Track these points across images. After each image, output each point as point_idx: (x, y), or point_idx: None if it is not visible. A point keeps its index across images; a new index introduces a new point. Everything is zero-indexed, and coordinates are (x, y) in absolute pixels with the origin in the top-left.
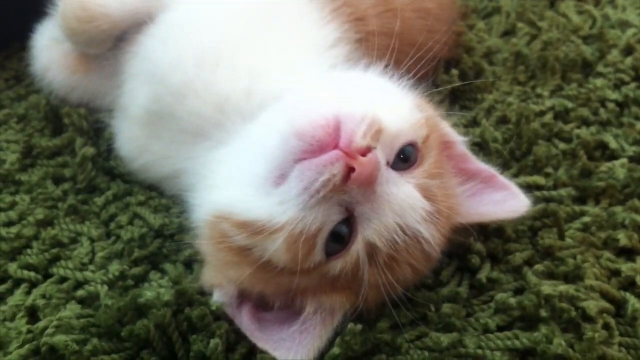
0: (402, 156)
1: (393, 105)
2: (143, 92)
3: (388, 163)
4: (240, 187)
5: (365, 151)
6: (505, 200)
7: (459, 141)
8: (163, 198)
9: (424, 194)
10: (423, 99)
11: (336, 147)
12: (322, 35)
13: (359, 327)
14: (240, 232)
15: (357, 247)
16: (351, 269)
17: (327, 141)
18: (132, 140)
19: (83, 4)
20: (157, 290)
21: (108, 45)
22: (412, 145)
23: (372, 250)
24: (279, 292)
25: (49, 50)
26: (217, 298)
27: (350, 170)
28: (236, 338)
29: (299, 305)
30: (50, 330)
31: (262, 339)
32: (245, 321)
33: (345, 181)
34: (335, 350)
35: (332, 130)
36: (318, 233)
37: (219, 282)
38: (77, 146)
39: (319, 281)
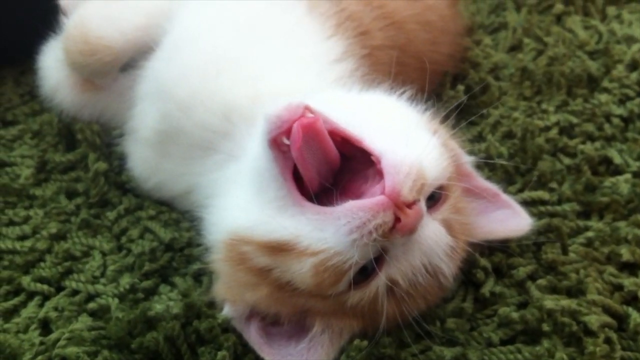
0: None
1: (429, 149)
2: (151, 113)
3: None
4: (259, 210)
5: (412, 204)
6: (508, 219)
7: (466, 161)
8: (173, 212)
9: (447, 229)
10: (437, 122)
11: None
12: (324, 48)
13: (365, 342)
14: (263, 252)
15: (378, 282)
16: (368, 301)
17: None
18: (144, 161)
19: (85, 37)
20: (166, 302)
21: (113, 74)
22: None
23: (392, 285)
24: (293, 312)
25: (57, 70)
26: (227, 312)
27: (396, 220)
28: (243, 350)
29: (308, 323)
30: (62, 342)
31: (270, 353)
32: (253, 335)
33: (392, 230)
34: None
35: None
36: (350, 268)
37: (232, 298)
38: (89, 161)
39: (334, 306)
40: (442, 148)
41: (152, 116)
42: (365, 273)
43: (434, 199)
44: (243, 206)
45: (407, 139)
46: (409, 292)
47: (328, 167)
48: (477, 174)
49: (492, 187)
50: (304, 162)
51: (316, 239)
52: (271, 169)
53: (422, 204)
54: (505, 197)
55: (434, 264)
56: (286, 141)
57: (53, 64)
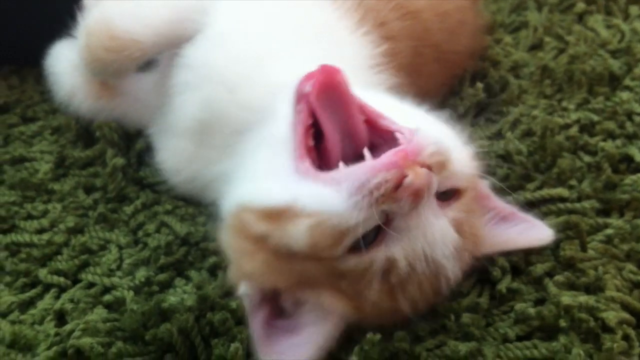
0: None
1: (459, 148)
2: (193, 102)
3: (436, 192)
4: (265, 178)
5: (425, 166)
6: (529, 230)
7: (483, 183)
8: (190, 207)
9: (456, 228)
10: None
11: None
12: (359, 48)
13: (378, 336)
14: (260, 219)
15: (376, 256)
16: (361, 272)
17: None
18: (179, 153)
19: (111, 33)
20: (181, 295)
21: (130, 75)
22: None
23: (389, 267)
24: (288, 285)
25: (71, 76)
26: (243, 290)
27: (403, 177)
28: None
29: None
30: (76, 333)
31: (265, 348)
32: (256, 326)
33: (396, 189)
34: (353, 358)
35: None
36: (350, 232)
37: (238, 277)
38: (107, 157)
39: (326, 272)
40: (474, 160)
41: (193, 105)
42: (364, 242)
43: (448, 194)
44: (251, 176)
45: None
46: (404, 281)
47: (354, 139)
48: (495, 196)
49: (509, 207)
50: (322, 113)
51: (313, 202)
52: (287, 131)
53: (435, 180)
54: (522, 214)
55: (436, 259)
56: (307, 88)
57: (66, 69)
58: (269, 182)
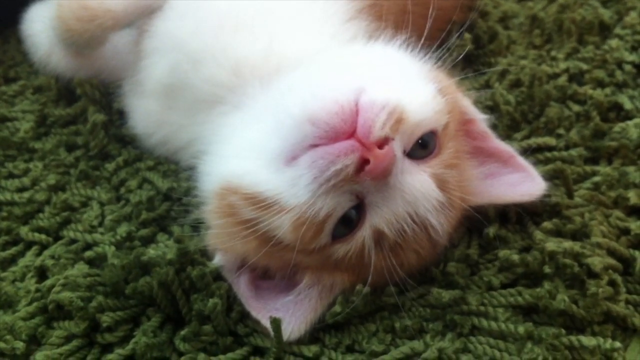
0: (420, 141)
1: (416, 91)
2: (160, 66)
3: (404, 151)
4: (251, 160)
5: (383, 142)
6: (521, 182)
7: (480, 119)
8: (172, 163)
9: (438, 184)
10: (444, 74)
11: (352, 134)
12: (337, 6)
13: (368, 289)
14: (248, 205)
15: (364, 233)
16: (355, 253)
17: (343, 129)
18: (148, 115)
19: (83, 3)
20: (162, 249)
21: (104, 43)
22: (431, 132)
23: (379, 236)
24: (282, 266)
25: (47, 36)
26: (217, 261)
27: (365, 161)
28: (235, 299)
29: (298, 278)
30: (56, 288)
31: (256, 308)
32: (242, 288)
33: (359, 172)
34: (337, 308)
35: (347, 117)
36: (327, 219)
37: (224, 248)
38: (89, 113)
39: (322, 261)
40: (438, 95)
41: (160, 69)
42: (350, 225)
43: (428, 149)
44: (241, 154)
45: (392, 80)
46: (398, 243)
47: None
48: (493, 134)
49: (508, 148)
50: None
51: (290, 194)
52: (281, 118)
53: (397, 146)
54: (520, 159)
55: (420, 214)
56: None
57: (42, 30)
58: (258, 163)
